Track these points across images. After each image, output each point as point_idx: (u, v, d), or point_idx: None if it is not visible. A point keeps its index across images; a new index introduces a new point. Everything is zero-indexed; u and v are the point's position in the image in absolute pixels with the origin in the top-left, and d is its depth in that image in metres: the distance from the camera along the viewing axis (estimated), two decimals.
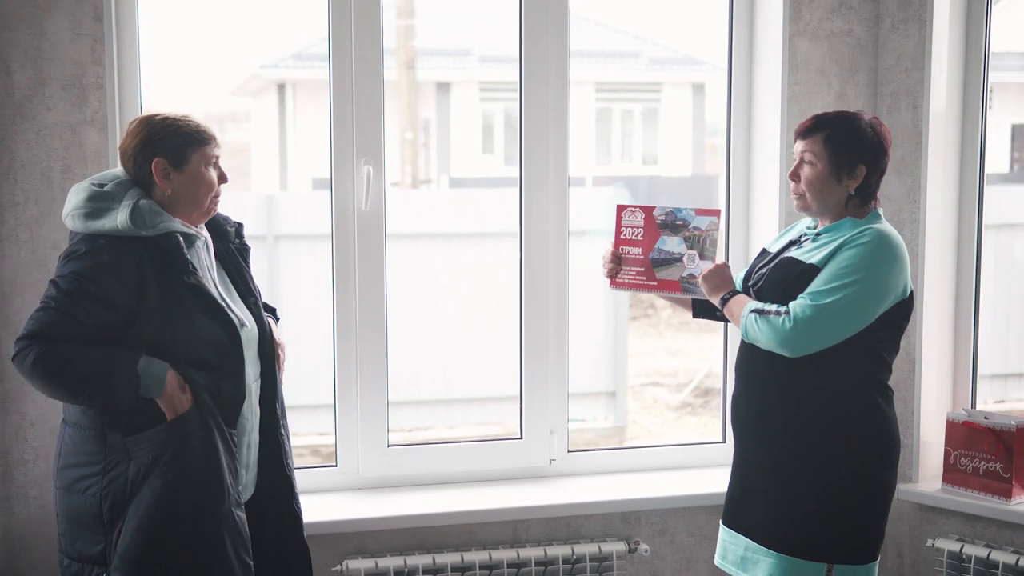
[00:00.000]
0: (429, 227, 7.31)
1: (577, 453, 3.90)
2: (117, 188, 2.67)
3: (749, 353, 3.00)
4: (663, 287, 3.06)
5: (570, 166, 3.75)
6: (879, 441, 2.93)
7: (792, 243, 3.01)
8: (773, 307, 2.84)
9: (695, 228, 3.05)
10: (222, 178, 2.80)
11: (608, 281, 3.18)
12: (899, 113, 3.73)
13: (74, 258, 2.60)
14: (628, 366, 7.83)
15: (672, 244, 3.06)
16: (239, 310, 2.82)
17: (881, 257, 2.81)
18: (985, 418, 3.59)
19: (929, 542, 3.66)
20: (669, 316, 11.13)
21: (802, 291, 2.83)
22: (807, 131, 2.93)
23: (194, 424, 2.65)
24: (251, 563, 2.76)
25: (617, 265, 3.15)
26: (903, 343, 3.64)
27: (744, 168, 3.89)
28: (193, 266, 2.68)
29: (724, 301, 2.97)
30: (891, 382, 3.69)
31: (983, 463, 3.59)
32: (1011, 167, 9.60)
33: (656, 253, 3.08)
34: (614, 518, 3.70)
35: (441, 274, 6.88)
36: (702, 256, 3.02)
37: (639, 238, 3.10)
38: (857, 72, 3.77)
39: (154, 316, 2.62)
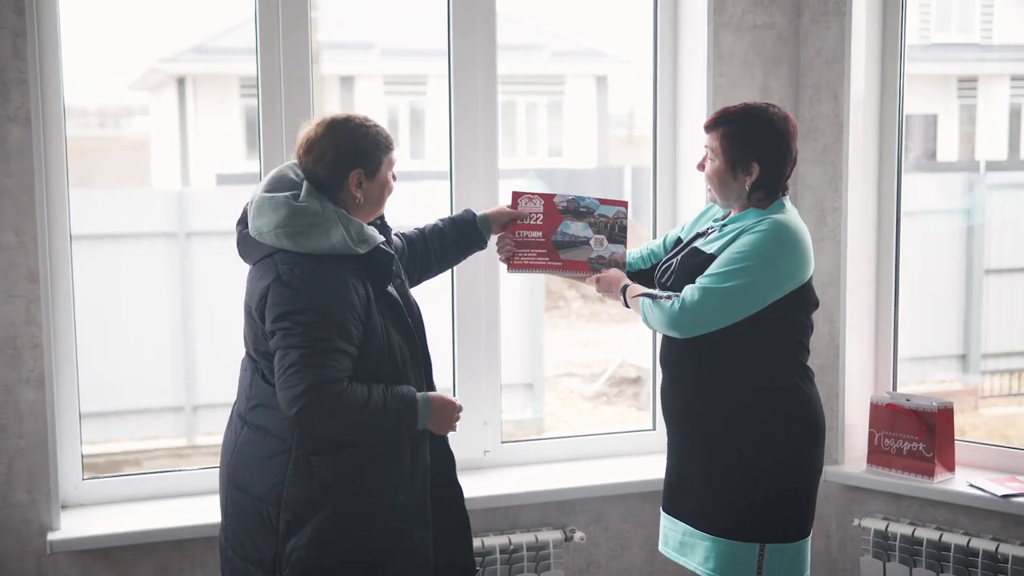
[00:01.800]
0: None
1: (510, 444, 3.92)
2: (313, 201, 2.63)
3: (672, 343, 3.05)
4: (569, 267, 3.12)
5: (500, 159, 3.76)
6: (803, 422, 3.00)
7: (700, 234, 3.07)
8: (664, 293, 2.93)
9: (600, 215, 3.14)
10: (393, 177, 2.83)
11: (506, 267, 3.24)
12: (820, 104, 3.81)
13: (312, 281, 2.57)
14: (545, 357, 7.88)
15: (576, 228, 3.13)
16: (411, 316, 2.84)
17: (774, 246, 2.87)
18: (907, 400, 3.70)
19: (856, 521, 3.76)
20: (580, 307, 11.23)
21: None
22: (710, 125, 3.01)
23: (392, 443, 2.69)
24: None
25: (514, 248, 3.18)
26: (826, 329, 3.74)
27: (670, 159, 3.94)
28: (399, 279, 2.78)
29: (623, 293, 3.06)
30: (816, 367, 3.79)
31: (906, 443, 3.69)
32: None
33: (559, 236, 3.13)
34: (550, 507, 3.73)
35: None
36: (611, 240, 3.10)
37: (538, 223, 3.15)
38: (780, 64, 3.84)
39: (366, 329, 2.64)
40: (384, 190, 2.79)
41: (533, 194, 3.18)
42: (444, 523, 2.88)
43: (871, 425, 3.78)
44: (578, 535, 3.69)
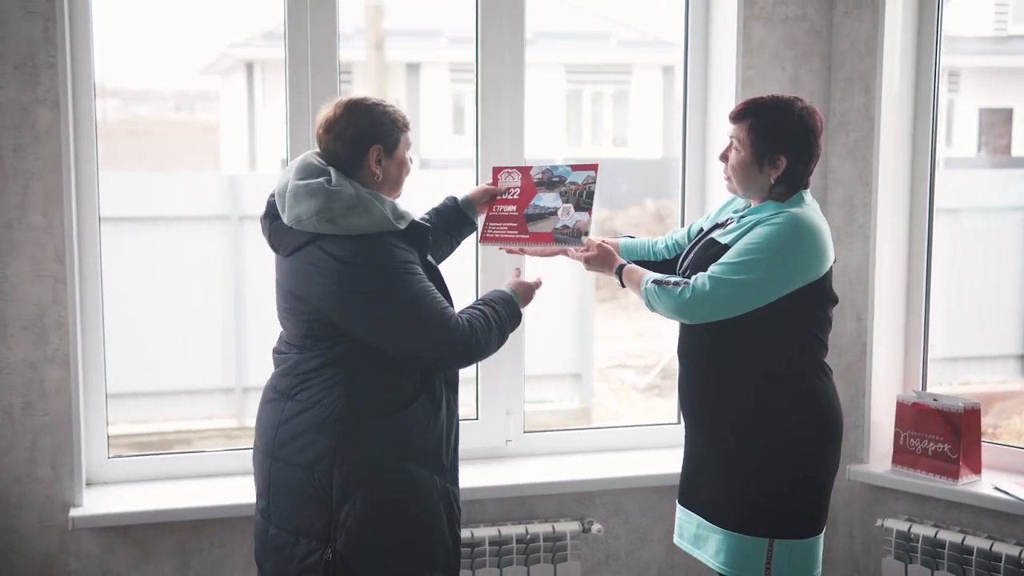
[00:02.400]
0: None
1: (533, 434, 3.93)
2: (345, 184, 2.70)
3: (689, 335, 3.04)
4: (535, 239, 3.06)
5: (526, 147, 3.76)
6: (816, 415, 2.96)
7: (719, 225, 3.05)
8: (674, 278, 2.91)
9: (571, 183, 3.06)
10: (410, 160, 2.89)
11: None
12: (852, 97, 3.76)
13: (379, 254, 2.68)
14: (594, 348, 7.85)
15: (548, 199, 3.08)
16: None
17: (788, 239, 2.84)
18: (934, 400, 3.64)
19: (879, 522, 3.71)
20: (638, 298, 11.15)
21: None
22: (737, 116, 2.97)
23: (435, 403, 2.80)
24: (460, 536, 2.93)
25: (487, 222, 3.19)
26: (854, 326, 3.69)
27: (700, 151, 3.92)
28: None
29: (619, 274, 3.04)
30: (843, 365, 3.76)
31: (931, 444, 3.64)
32: (979, 151, 9.66)
33: (531, 209, 3.09)
34: (568, 498, 3.74)
35: None
36: (577, 208, 3.02)
37: (515, 197, 3.13)
38: (811, 56, 3.80)
39: None
40: (403, 169, 2.85)
41: (512, 168, 3.18)
42: None
43: (897, 424, 3.73)
44: (596, 527, 3.69)
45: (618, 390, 8.90)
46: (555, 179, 3.09)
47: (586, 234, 3.02)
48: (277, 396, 2.82)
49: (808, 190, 2.99)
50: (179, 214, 6.88)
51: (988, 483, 3.59)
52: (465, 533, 3.56)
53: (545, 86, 13.01)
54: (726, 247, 2.90)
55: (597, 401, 8.16)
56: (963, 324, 6.45)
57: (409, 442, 2.74)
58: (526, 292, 2.98)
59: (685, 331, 3.06)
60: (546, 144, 12.23)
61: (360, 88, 11.35)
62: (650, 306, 2.97)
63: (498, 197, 3.17)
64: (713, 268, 2.85)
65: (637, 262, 3.19)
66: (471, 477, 3.64)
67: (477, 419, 3.83)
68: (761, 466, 2.93)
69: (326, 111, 2.81)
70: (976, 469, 3.63)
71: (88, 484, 3.48)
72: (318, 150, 2.83)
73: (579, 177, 3.05)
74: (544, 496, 3.71)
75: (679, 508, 3.15)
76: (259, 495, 2.86)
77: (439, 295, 2.74)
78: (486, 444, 3.83)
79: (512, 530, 3.61)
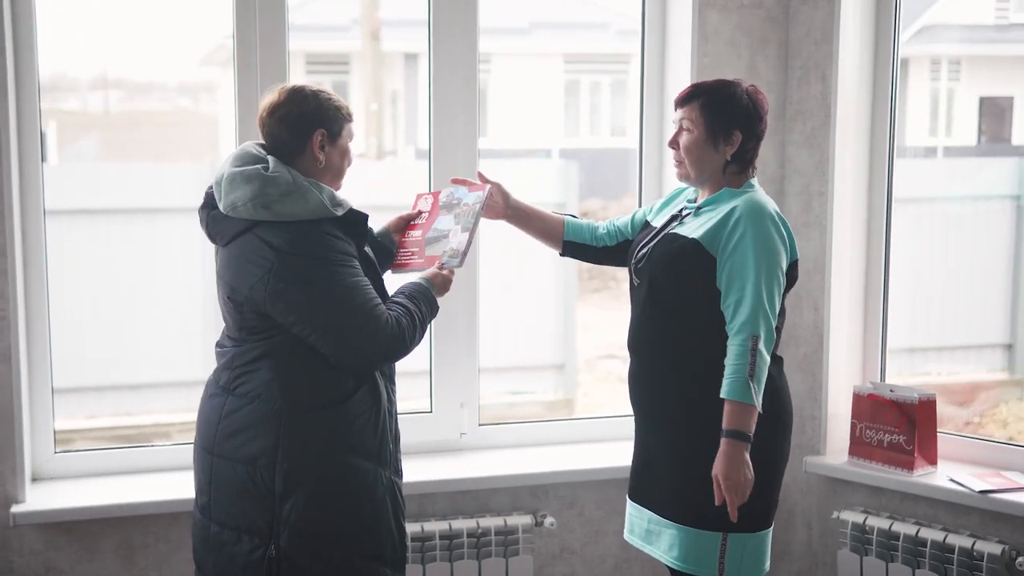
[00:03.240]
0: (393, 199, 7.27)
1: (489, 427, 3.89)
2: (282, 170, 2.68)
3: (638, 328, 3.01)
4: (429, 263, 2.99)
5: (479, 137, 3.73)
6: (768, 409, 2.92)
7: (674, 218, 3.00)
8: (737, 362, 2.80)
9: (464, 204, 3.05)
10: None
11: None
12: (808, 85, 3.72)
13: (313, 242, 2.65)
14: (578, 338, 7.79)
15: (444, 222, 3.05)
16: None
17: (767, 235, 2.83)
18: (891, 391, 3.60)
19: (835, 514, 3.68)
20: (627, 288, 11.10)
21: (687, 264, 2.87)
22: (685, 98, 2.94)
23: (375, 395, 2.77)
24: (406, 528, 2.91)
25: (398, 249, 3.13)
26: (811, 317, 3.66)
27: (657, 140, 3.88)
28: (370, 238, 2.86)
29: (733, 434, 2.83)
30: (799, 356, 3.73)
31: (887, 435, 3.60)
32: (979, 140, 9.57)
33: (431, 232, 3.06)
34: (522, 492, 3.71)
35: None
36: (463, 229, 2.99)
37: (423, 221, 3.10)
38: (767, 44, 3.75)
39: None
40: (344, 158, 2.83)
41: (428, 193, 3.16)
42: None
43: (853, 416, 3.69)
44: (548, 520, 3.66)
45: (604, 380, 8.85)
46: (454, 201, 3.07)
47: (463, 255, 2.94)
48: (218, 391, 2.79)
49: (755, 178, 2.97)
50: (171, 205, 6.86)
51: (944, 474, 3.55)
52: (415, 527, 3.53)
53: (543, 76, 12.96)
54: (695, 241, 2.86)
55: (582, 392, 8.11)
56: (947, 313, 6.40)
57: (351, 435, 2.72)
58: (443, 284, 2.93)
59: (637, 324, 3.02)
60: (544, 135, 12.20)
61: (357, 79, 11.35)
62: (759, 383, 2.83)
63: (412, 223, 3.13)
64: (742, 317, 2.79)
65: (579, 244, 3.23)
66: (423, 471, 3.63)
67: (431, 412, 3.80)
68: (711, 459, 2.89)
69: (270, 97, 2.79)
70: (932, 460, 3.59)
71: (34, 480, 3.46)
72: (260, 140, 2.81)
73: (471, 198, 3.04)
74: (497, 490, 3.68)
75: (629, 504, 3.12)
76: (199, 492, 2.82)
77: (371, 290, 2.70)
78: (440, 437, 3.80)
79: (463, 524, 3.58)
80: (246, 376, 2.72)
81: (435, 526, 3.56)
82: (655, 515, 3.00)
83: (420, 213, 3.13)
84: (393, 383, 2.89)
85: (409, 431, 3.72)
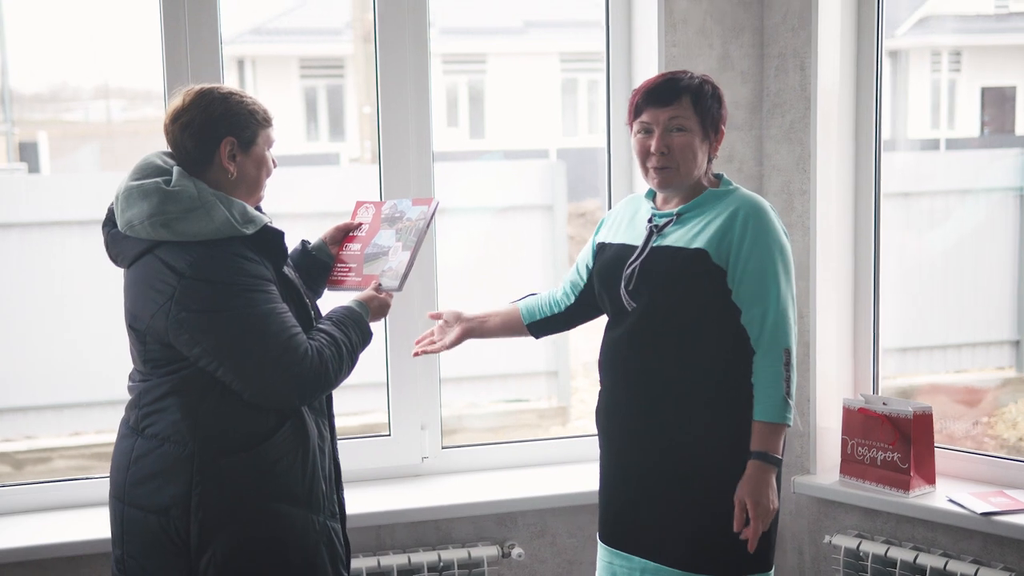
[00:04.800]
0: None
1: (452, 449, 3.63)
2: (186, 183, 2.39)
3: (616, 349, 2.73)
4: (366, 282, 2.71)
5: (434, 142, 3.47)
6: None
7: (652, 231, 2.71)
8: (772, 379, 2.59)
9: (408, 219, 2.75)
10: (273, 163, 2.57)
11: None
12: (786, 75, 3.44)
13: (220, 266, 2.35)
14: (571, 344, 7.56)
15: (385, 238, 2.75)
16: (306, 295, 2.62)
17: (777, 236, 2.62)
18: (884, 404, 3.32)
19: (827, 538, 3.40)
20: None
21: (693, 278, 2.60)
22: (671, 96, 2.64)
23: (300, 434, 2.48)
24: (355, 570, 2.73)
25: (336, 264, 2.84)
26: (797, 325, 3.37)
27: (626, 139, 3.60)
28: (289, 259, 2.56)
29: (764, 457, 2.60)
30: None
31: (880, 453, 3.32)
32: (982, 131, 9.31)
33: (371, 248, 2.77)
34: (487, 520, 3.44)
35: None
36: (405, 247, 2.71)
37: (363, 234, 2.81)
38: (741, 32, 3.48)
39: None
40: (261, 168, 2.52)
41: (370, 203, 2.86)
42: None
43: (844, 432, 3.41)
44: (516, 551, 3.39)
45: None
46: (397, 215, 2.77)
47: (402, 278, 2.66)
48: (127, 432, 2.51)
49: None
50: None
51: (943, 494, 3.27)
52: (371, 562, 3.28)
53: (539, 76, 12.72)
54: (700, 251, 2.59)
55: (578, 398, 7.86)
56: (952, 310, 6.12)
57: (273, 479, 2.43)
58: (379, 308, 2.64)
59: (611, 343, 2.74)
60: (542, 135, 11.97)
61: (351, 82, 11.15)
62: (791, 414, 2.62)
63: (351, 234, 2.83)
64: (770, 326, 2.58)
65: (541, 321, 2.99)
66: (380, 500, 3.38)
67: (389, 435, 3.54)
68: (710, 495, 2.63)
69: (175, 100, 2.49)
70: (929, 479, 3.31)
71: None
72: (168, 149, 2.53)
73: (415, 212, 2.75)
74: (460, 519, 3.42)
75: (608, 550, 2.81)
76: (114, 543, 2.54)
77: (289, 318, 2.40)
78: (400, 462, 3.54)
79: (424, 557, 3.32)
80: (154, 416, 2.43)
81: (393, 560, 3.30)
82: (651, 563, 2.70)
83: (360, 225, 2.85)
84: (327, 416, 2.60)
85: (366, 456, 3.51)
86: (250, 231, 2.41)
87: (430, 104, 3.44)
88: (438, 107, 14.99)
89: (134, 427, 2.47)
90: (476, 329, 2.99)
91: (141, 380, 2.48)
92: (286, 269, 2.51)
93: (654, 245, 2.67)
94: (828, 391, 3.51)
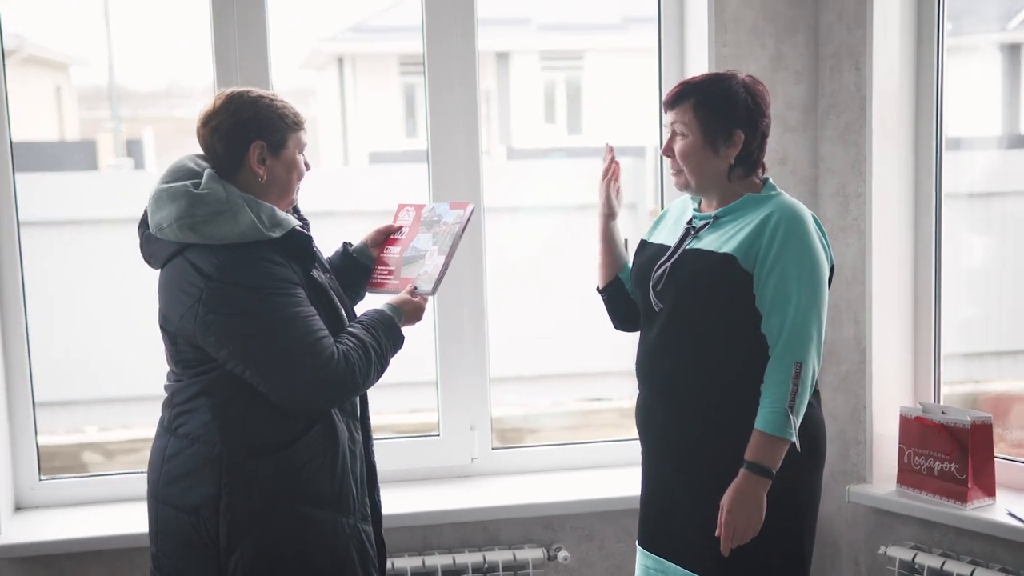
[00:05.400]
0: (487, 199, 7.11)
1: (502, 450, 3.62)
2: (215, 186, 2.40)
3: (646, 350, 2.70)
4: (402, 285, 2.70)
5: (482, 139, 3.47)
6: (812, 439, 2.61)
7: (687, 233, 2.67)
8: (776, 389, 2.50)
9: (444, 223, 2.74)
10: (307, 165, 2.58)
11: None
12: (841, 75, 3.35)
13: (247, 270, 2.37)
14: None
15: (423, 241, 2.74)
16: (338, 298, 2.62)
17: (810, 245, 2.52)
18: (943, 412, 3.23)
19: (882, 549, 3.31)
20: None
21: (719, 282, 2.54)
22: (675, 99, 2.63)
23: (330, 436, 2.48)
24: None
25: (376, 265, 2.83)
26: (851, 331, 3.32)
27: None
28: (320, 262, 2.55)
29: (756, 468, 2.51)
30: (841, 373, 3.39)
31: (937, 463, 3.22)
32: None
33: (409, 251, 2.76)
34: (534, 523, 3.43)
35: None
36: (439, 252, 2.69)
37: (403, 236, 2.80)
38: (794, 31, 3.40)
39: None
40: (292, 172, 2.52)
41: (411, 205, 2.84)
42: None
43: (901, 440, 3.32)
44: (562, 554, 3.37)
45: None
46: (435, 218, 2.76)
47: (436, 282, 2.64)
48: (162, 431, 2.55)
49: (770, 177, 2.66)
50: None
51: (1002, 507, 3.16)
52: (416, 562, 3.30)
53: (638, 72, 12.65)
54: (728, 256, 2.53)
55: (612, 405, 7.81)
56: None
57: (302, 482, 2.44)
58: (413, 312, 2.62)
59: (646, 346, 2.70)
60: (640, 131, 11.89)
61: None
62: (792, 429, 2.51)
63: (392, 236, 2.83)
64: (793, 335, 2.48)
65: (624, 287, 2.88)
66: (427, 500, 3.39)
67: (438, 435, 3.54)
68: None
69: (207, 104, 2.51)
70: (989, 491, 3.20)
71: (19, 508, 3.32)
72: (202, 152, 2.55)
73: (452, 217, 2.73)
74: (508, 520, 3.41)
75: (643, 552, 2.79)
76: (151, 540, 2.58)
77: (315, 322, 2.40)
78: (449, 463, 3.54)
79: (469, 558, 3.32)
80: (185, 416, 2.47)
81: (438, 560, 3.31)
82: (680, 568, 2.67)
83: (401, 227, 2.85)
84: (357, 418, 2.59)
85: (415, 456, 3.52)
86: (276, 234, 2.42)
87: (477, 101, 3.43)
88: (537, 104, 15.05)
89: (167, 426, 2.51)
90: (611, 223, 2.91)
91: (175, 380, 2.52)
92: (315, 272, 2.51)
93: (687, 248, 2.63)
94: (885, 398, 3.41)
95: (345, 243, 2.87)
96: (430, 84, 3.42)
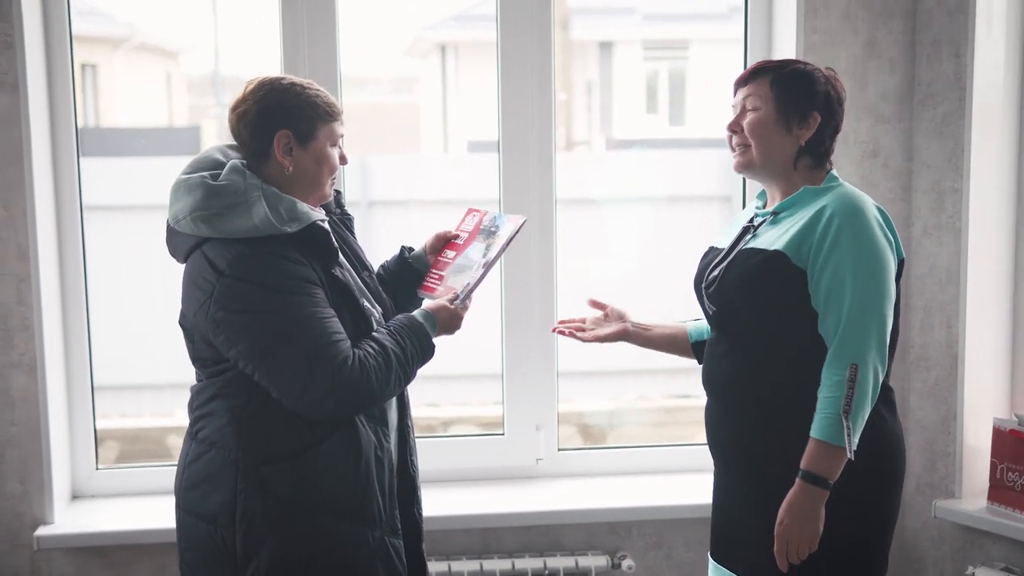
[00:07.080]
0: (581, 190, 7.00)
1: (569, 451, 3.49)
2: (235, 178, 2.28)
3: (715, 359, 2.54)
4: (447, 293, 2.55)
5: (555, 132, 3.33)
6: (881, 456, 2.43)
7: (746, 232, 2.51)
8: (830, 394, 2.32)
9: (498, 234, 2.59)
10: (343, 159, 2.44)
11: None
12: (939, 64, 3.14)
13: (261, 266, 2.23)
14: None
15: (475, 251, 2.58)
16: (365, 299, 2.48)
17: (869, 237, 2.33)
18: None
19: (970, 570, 3.11)
20: None
21: (770, 282, 2.38)
22: (750, 76, 2.47)
23: (352, 443, 2.34)
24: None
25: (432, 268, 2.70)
26: (942, 335, 3.12)
27: None
28: (341, 258, 2.39)
29: (810, 478, 2.34)
30: (931, 380, 3.20)
31: None
32: None
33: (461, 258, 2.61)
34: (600, 528, 3.29)
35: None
36: (484, 264, 2.53)
37: (462, 243, 2.66)
38: (890, 17, 3.19)
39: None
40: (322, 164, 2.36)
41: (478, 210, 2.70)
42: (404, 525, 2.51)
43: (993, 455, 3.11)
44: (627, 563, 3.23)
45: None
46: (493, 228, 2.62)
47: (468, 293, 2.51)
48: (185, 435, 2.44)
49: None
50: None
51: None
52: (473, 565, 3.18)
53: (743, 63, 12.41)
54: (778, 252, 2.37)
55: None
56: None
57: (319, 491, 2.30)
58: (449, 320, 2.45)
59: (712, 353, 2.55)
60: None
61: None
62: (847, 436, 2.33)
63: (452, 241, 2.69)
64: (848, 337, 2.30)
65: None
66: (489, 501, 3.28)
67: (503, 435, 3.42)
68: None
69: (239, 92, 2.39)
70: None
71: (74, 498, 3.27)
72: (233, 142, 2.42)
73: (506, 229, 2.58)
74: (571, 525, 3.27)
75: (713, 565, 2.64)
76: (178, 548, 2.48)
77: (331, 323, 2.25)
78: (513, 463, 3.42)
79: (528, 563, 3.20)
80: (204, 419, 2.35)
81: (496, 564, 3.19)
82: None
83: (459, 234, 2.69)
84: (386, 424, 2.42)
85: (479, 455, 3.42)
86: (292, 229, 2.26)
87: (552, 93, 3.30)
88: (639, 94, 14.87)
89: (189, 430, 2.41)
90: (636, 336, 2.78)
91: (196, 381, 2.42)
92: (337, 271, 2.36)
93: (742, 247, 2.48)
94: (978, 408, 3.19)
95: (404, 247, 2.74)
96: (502, 75, 3.30)
